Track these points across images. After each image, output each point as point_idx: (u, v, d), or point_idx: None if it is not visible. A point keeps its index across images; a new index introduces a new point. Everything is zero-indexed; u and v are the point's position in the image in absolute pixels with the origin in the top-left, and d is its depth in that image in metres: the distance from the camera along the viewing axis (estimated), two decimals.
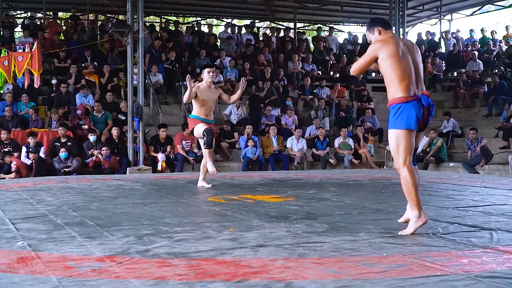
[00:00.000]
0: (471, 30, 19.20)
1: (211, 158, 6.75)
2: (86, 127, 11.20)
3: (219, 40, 16.61)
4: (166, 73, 13.61)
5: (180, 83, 13.13)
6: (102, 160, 10.24)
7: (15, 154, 10.01)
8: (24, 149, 10.10)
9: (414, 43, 3.78)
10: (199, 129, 6.69)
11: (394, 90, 3.59)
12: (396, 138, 3.60)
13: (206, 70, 6.78)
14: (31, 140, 10.06)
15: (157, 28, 17.00)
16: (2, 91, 11.52)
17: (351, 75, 3.95)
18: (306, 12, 19.03)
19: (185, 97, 6.76)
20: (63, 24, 16.15)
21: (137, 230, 3.76)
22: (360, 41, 18.02)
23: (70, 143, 10.29)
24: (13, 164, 9.73)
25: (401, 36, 14.17)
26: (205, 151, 6.73)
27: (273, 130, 11.88)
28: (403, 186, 3.62)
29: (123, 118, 11.50)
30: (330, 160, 11.89)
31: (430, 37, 18.29)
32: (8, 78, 10.86)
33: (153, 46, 13.91)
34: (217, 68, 14.55)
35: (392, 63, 3.56)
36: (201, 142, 6.84)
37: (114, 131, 10.85)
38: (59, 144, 10.30)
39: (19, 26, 16.72)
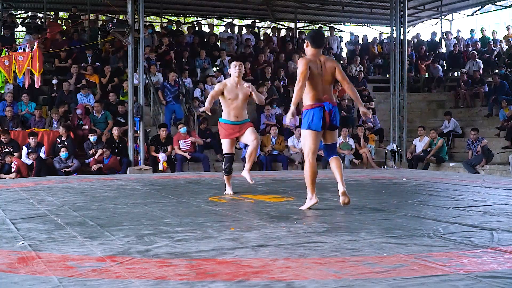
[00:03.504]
0: (472, 30, 19.20)
1: (230, 183, 6.13)
2: (86, 127, 11.20)
3: (219, 40, 16.61)
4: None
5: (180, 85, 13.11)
6: (103, 160, 10.27)
7: (16, 154, 10.01)
8: (24, 149, 10.10)
9: (331, 60, 4.85)
10: (223, 144, 6.05)
11: (305, 98, 4.60)
12: (303, 136, 4.70)
13: (233, 64, 5.97)
14: (31, 140, 10.07)
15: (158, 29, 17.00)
16: (2, 91, 11.52)
17: (293, 91, 4.67)
18: (306, 12, 19.02)
19: (206, 104, 5.84)
20: (63, 24, 16.15)
21: (137, 230, 3.76)
22: (360, 41, 18.03)
23: (66, 143, 10.27)
24: (14, 164, 9.74)
25: (401, 36, 14.18)
26: (224, 177, 6.15)
27: (274, 130, 11.88)
28: (304, 172, 4.66)
29: (122, 120, 11.48)
30: None
31: (431, 37, 18.30)
32: (8, 78, 10.86)
33: (168, 80, 12.59)
34: (218, 67, 14.62)
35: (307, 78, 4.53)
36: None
37: (115, 131, 10.85)
38: (59, 141, 10.31)
39: (20, 25, 16.74)
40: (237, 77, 5.86)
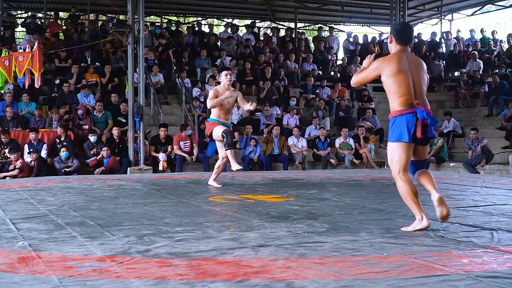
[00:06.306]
0: (471, 30, 19.20)
1: (233, 157, 6.67)
2: (86, 127, 11.20)
3: (219, 40, 16.61)
4: None
5: (180, 85, 13.09)
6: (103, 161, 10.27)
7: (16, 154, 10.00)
8: (26, 147, 10.10)
9: (420, 59, 4.01)
10: (217, 132, 6.65)
11: (393, 104, 3.78)
12: (391, 150, 3.81)
13: (224, 73, 6.69)
14: (32, 136, 10.08)
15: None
16: (2, 91, 11.52)
17: (352, 85, 4.01)
18: (306, 12, 19.03)
19: (212, 102, 6.60)
20: (63, 24, 16.15)
21: (137, 230, 3.76)
22: (360, 41, 18.02)
23: (65, 143, 10.27)
24: (19, 162, 9.69)
25: None
26: (227, 152, 6.66)
27: (276, 130, 11.87)
28: (400, 194, 3.82)
29: (124, 120, 11.46)
30: (331, 160, 11.89)
31: (431, 37, 18.29)
32: (8, 78, 10.86)
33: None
34: (218, 68, 14.61)
35: (393, 81, 3.74)
36: (219, 145, 6.86)
37: (115, 131, 10.85)
38: (58, 141, 10.31)
39: (20, 25, 16.74)
40: (228, 85, 6.66)
